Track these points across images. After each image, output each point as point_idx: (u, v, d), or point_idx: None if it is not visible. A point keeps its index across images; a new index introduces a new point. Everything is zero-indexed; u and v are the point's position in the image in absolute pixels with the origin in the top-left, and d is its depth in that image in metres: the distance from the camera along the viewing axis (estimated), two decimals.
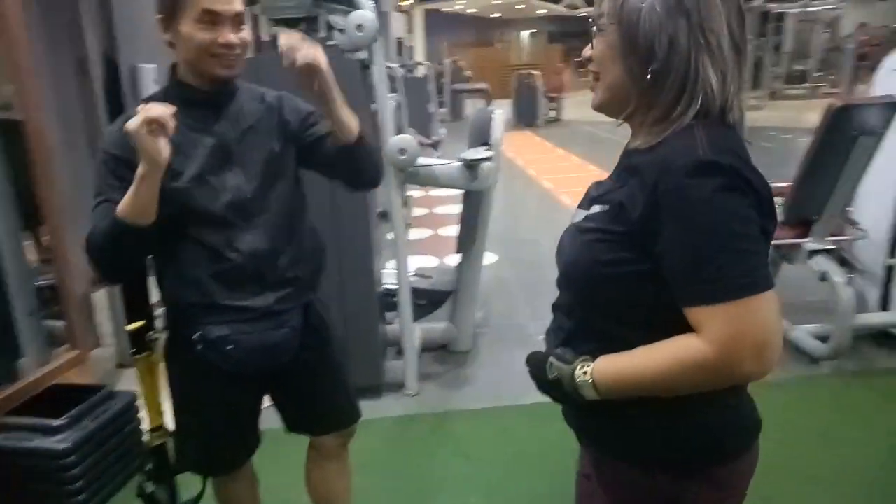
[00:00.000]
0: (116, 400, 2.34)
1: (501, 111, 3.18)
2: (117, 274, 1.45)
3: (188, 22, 1.27)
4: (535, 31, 30.22)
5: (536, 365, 0.97)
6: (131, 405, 2.37)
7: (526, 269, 4.54)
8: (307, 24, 2.70)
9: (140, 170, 1.20)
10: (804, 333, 3.05)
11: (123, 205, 1.23)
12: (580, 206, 1.01)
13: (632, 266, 0.86)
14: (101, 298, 3.17)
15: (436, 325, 3.29)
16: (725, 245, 0.80)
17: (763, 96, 13.71)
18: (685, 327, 0.83)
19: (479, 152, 2.77)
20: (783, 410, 2.58)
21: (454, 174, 2.77)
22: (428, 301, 3.31)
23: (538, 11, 24.91)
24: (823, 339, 2.94)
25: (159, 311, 1.55)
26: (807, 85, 15.17)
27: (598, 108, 0.96)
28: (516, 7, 23.03)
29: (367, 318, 2.75)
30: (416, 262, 4.53)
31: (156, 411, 1.64)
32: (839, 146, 2.69)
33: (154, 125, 1.16)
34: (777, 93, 14.63)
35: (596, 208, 0.93)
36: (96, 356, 3.08)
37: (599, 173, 6.00)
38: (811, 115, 12.70)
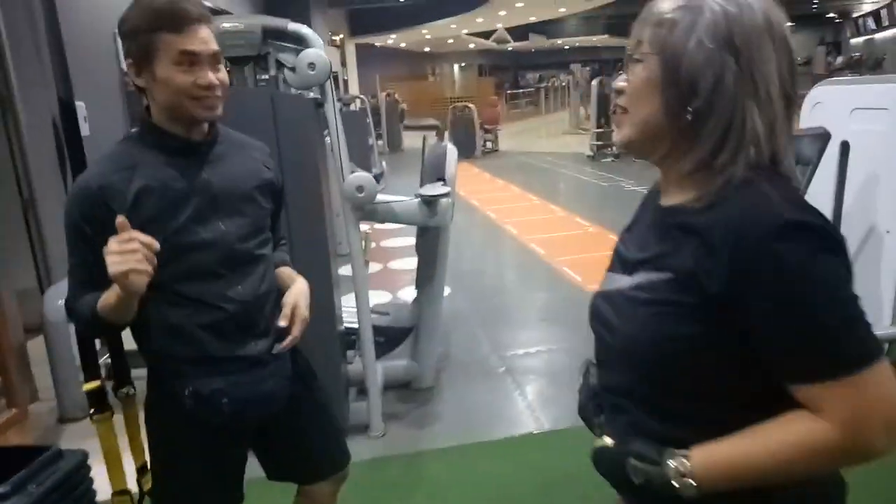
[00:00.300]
0: (65, 460, 2.17)
1: (454, 147, 3.21)
2: (103, 337, 1.41)
3: (165, 65, 1.22)
4: (464, 64, 30.95)
5: (610, 465, 0.87)
6: (82, 465, 2.20)
7: (479, 299, 4.56)
8: (256, 63, 2.66)
9: (120, 294, 1.16)
10: None
11: (104, 306, 1.20)
12: (615, 271, 0.93)
13: (711, 340, 0.78)
14: (37, 347, 2.97)
15: (397, 362, 3.24)
16: (834, 314, 0.73)
17: None
18: (781, 398, 0.76)
19: (437, 188, 2.78)
20: None
21: (413, 210, 2.76)
22: (387, 338, 3.26)
23: (469, 45, 25.49)
24: None
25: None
26: None
27: (626, 145, 0.88)
28: (448, 41, 23.50)
29: (330, 359, 2.68)
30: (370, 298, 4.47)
31: (119, 473, 1.54)
32: None
33: (140, 263, 1.11)
34: None
35: (650, 276, 0.84)
36: (35, 411, 2.88)
37: (540, 202, 6.18)
38: None
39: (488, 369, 3.44)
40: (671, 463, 0.79)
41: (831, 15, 28.61)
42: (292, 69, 2.53)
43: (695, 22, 0.79)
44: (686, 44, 0.79)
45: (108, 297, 1.19)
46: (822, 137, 2.79)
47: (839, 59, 22.26)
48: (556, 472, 2.47)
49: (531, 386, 3.27)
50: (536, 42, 26.63)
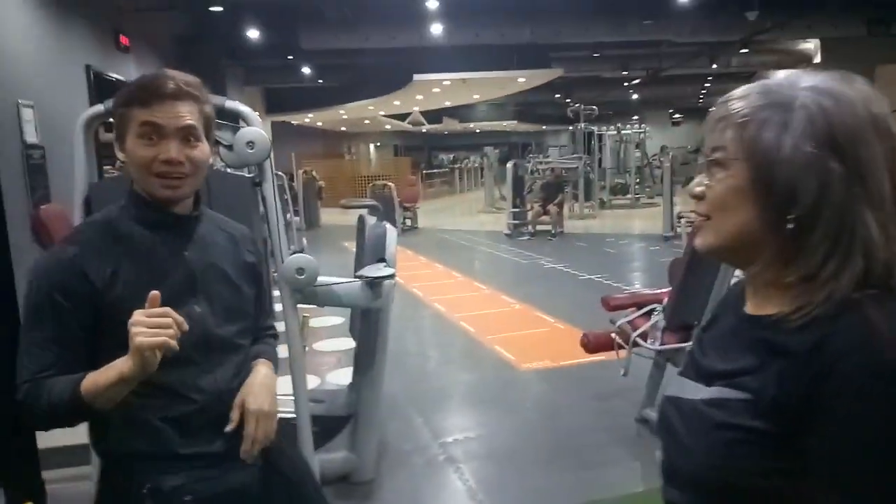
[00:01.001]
0: None
1: (393, 227, 3.16)
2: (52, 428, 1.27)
3: (131, 137, 1.19)
4: (380, 144, 31.54)
5: None
6: None
7: (413, 382, 4.41)
8: None
9: (126, 371, 1.09)
10: None
11: (95, 388, 1.11)
12: (689, 377, 0.85)
13: (786, 475, 0.72)
14: None
15: (334, 454, 3.02)
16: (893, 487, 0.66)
17: (594, 206, 15.16)
18: None
19: (381, 269, 2.70)
20: None
21: (356, 292, 2.65)
22: (322, 428, 3.05)
23: (385, 126, 26.07)
24: None
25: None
26: (629, 196, 17.03)
27: (711, 252, 0.80)
28: (364, 122, 23.96)
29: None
30: None
31: None
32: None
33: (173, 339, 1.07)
34: (605, 203, 16.24)
35: (726, 392, 0.76)
36: None
37: (464, 279, 6.20)
38: (636, 221, 14.18)
39: (429, 458, 3.28)
40: None
41: (713, 109, 31.43)
42: (229, 147, 2.43)
43: (787, 121, 0.72)
44: (780, 147, 0.71)
45: (106, 376, 1.11)
46: None
47: None
48: None
49: (473, 473, 3.13)
50: (449, 125, 27.61)
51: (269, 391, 1.32)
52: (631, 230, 12.52)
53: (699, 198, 0.81)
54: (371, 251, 2.92)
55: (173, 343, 1.07)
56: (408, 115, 23.09)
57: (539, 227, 11.74)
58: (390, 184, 14.37)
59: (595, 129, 17.02)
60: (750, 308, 0.81)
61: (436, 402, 4.14)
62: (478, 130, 32.04)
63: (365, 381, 3.03)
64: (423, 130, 28.98)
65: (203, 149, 1.24)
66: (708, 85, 21.23)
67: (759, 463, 0.72)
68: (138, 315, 1.07)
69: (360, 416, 3.03)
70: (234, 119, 2.47)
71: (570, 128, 18.03)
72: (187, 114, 1.20)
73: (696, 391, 0.81)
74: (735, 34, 11.89)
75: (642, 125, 19.70)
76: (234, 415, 1.26)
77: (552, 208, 11.61)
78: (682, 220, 10.76)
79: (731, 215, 0.76)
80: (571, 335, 5.31)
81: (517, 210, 12.23)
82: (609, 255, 9.68)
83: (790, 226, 0.72)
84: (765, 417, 0.71)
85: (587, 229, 12.56)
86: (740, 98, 0.77)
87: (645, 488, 2.97)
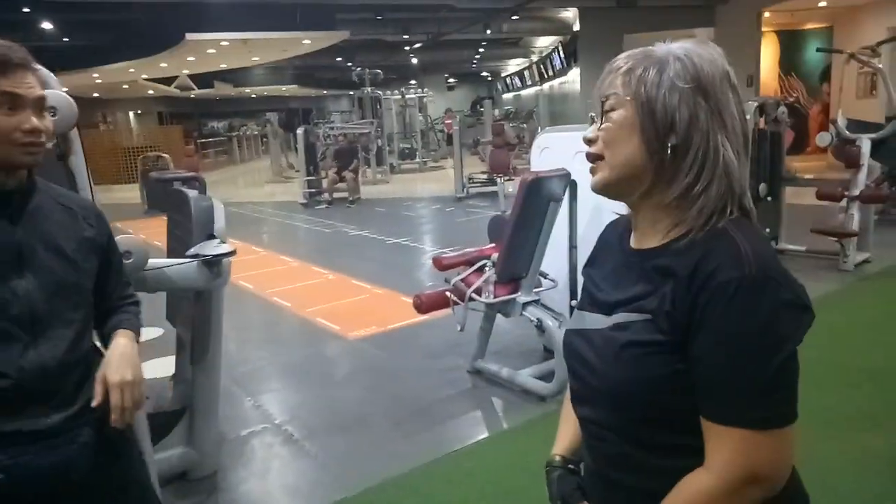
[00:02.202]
0: None
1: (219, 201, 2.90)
2: None
3: None
4: (141, 111, 28.47)
5: None
6: None
7: (234, 364, 4.08)
8: None
9: None
10: (528, 377, 3.44)
11: None
12: (587, 310, 0.96)
13: (688, 376, 0.83)
14: None
15: (168, 452, 2.74)
16: (769, 371, 0.78)
17: (386, 171, 15.35)
18: None
19: (217, 246, 2.46)
20: (526, 456, 2.85)
21: (192, 274, 2.39)
22: (154, 426, 2.75)
23: (148, 92, 23.56)
24: (547, 377, 3.37)
25: None
26: (417, 160, 17.52)
27: (603, 188, 0.92)
28: (122, 87, 21.37)
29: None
30: None
31: None
32: (536, 212, 3.17)
33: None
34: (395, 168, 16.53)
35: (629, 316, 0.88)
36: None
37: (268, 253, 5.99)
38: (427, 184, 14.65)
39: (269, 440, 3.15)
40: None
41: (485, 73, 33.46)
42: None
43: (664, 68, 0.87)
44: (660, 85, 0.85)
45: None
46: (566, 177, 3.20)
47: (496, 112, 26.10)
48: None
49: (321, 447, 3.05)
50: (222, 90, 25.81)
51: (129, 360, 1.33)
52: (423, 193, 12.92)
53: (592, 141, 0.92)
54: (199, 227, 2.64)
55: None
56: (174, 78, 21.07)
57: (336, 195, 11.60)
58: (165, 155, 13.15)
59: (381, 93, 17.12)
60: (635, 243, 0.94)
61: (264, 382, 3.94)
62: (254, 95, 30.44)
63: (199, 370, 2.77)
64: (192, 96, 26.76)
65: (50, 119, 1.29)
66: (482, 50, 22.43)
67: (664, 370, 0.84)
68: None
69: (196, 407, 2.78)
70: None
71: (352, 92, 17.87)
72: (36, 85, 1.25)
73: (599, 321, 0.92)
74: (507, 2, 12.64)
75: (424, 89, 20.24)
76: (98, 389, 1.28)
77: (348, 175, 11.53)
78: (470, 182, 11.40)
79: (622, 147, 0.88)
80: (392, 299, 5.40)
81: (312, 178, 11.93)
82: (409, 219, 9.91)
83: (668, 152, 0.86)
84: (663, 331, 0.84)
85: (382, 194, 12.70)
86: (626, 58, 0.91)
87: (490, 434, 3.15)
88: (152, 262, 2.29)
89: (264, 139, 23.17)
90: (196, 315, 2.74)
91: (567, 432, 1.09)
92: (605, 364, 0.90)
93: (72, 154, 2.15)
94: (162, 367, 3.52)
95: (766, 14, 11.98)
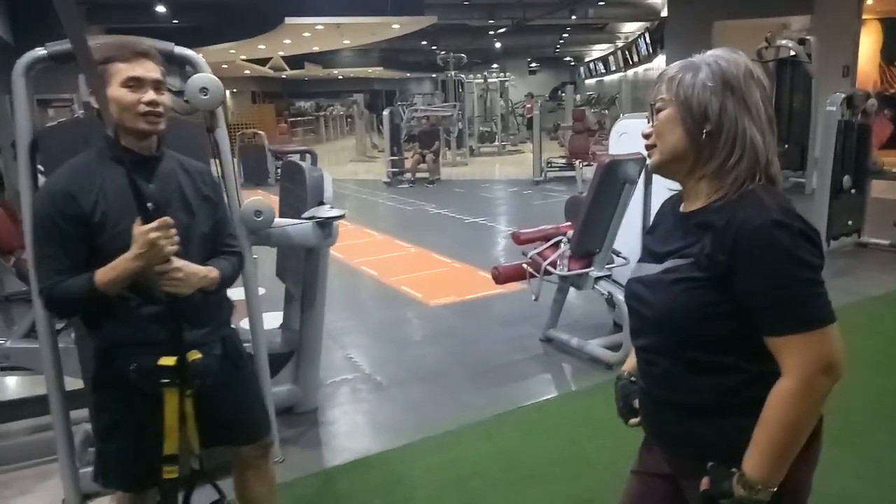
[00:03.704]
0: None
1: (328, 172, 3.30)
2: (73, 315, 1.85)
3: (115, 87, 1.54)
4: (236, 90, 29.90)
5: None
6: None
7: (329, 321, 4.49)
8: None
9: (135, 260, 1.49)
10: (596, 346, 3.70)
11: (104, 278, 1.51)
12: (646, 261, 1.23)
13: (723, 304, 1.07)
14: None
15: (279, 388, 3.19)
16: (804, 285, 1.03)
17: (465, 154, 15.66)
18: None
19: (330, 210, 2.86)
20: (590, 413, 3.12)
21: (308, 233, 2.80)
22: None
23: (244, 72, 24.75)
24: (614, 348, 3.62)
25: None
26: (496, 144, 17.72)
27: (657, 168, 1.19)
28: (222, 66, 22.58)
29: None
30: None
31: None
32: (611, 192, 3.41)
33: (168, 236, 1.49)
34: (474, 150, 16.80)
35: (676, 262, 1.13)
36: None
37: (354, 227, 6.74)
38: (506, 168, 14.74)
39: (360, 386, 3.57)
40: (737, 487, 1.06)
41: (568, 59, 33.10)
42: (178, 93, 2.45)
43: (697, 73, 1.12)
44: (693, 86, 1.11)
45: (119, 270, 1.49)
46: (642, 160, 3.43)
47: (578, 97, 25.88)
48: (466, 465, 2.69)
49: (405, 394, 3.45)
50: (312, 70, 26.77)
51: (194, 272, 1.60)
52: (502, 176, 13.17)
53: (648, 135, 1.18)
54: (312, 194, 3.05)
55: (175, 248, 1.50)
56: (268, 59, 22.09)
57: (417, 175, 12.03)
58: (261, 132, 13.94)
59: (464, 77, 17.39)
60: (684, 209, 1.19)
61: (354, 338, 4.37)
62: (340, 77, 31.31)
63: (307, 318, 3.20)
64: (284, 76, 27.88)
65: (168, 96, 1.65)
66: (566, 35, 22.25)
67: (702, 299, 1.09)
68: (151, 231, 1.46)
69: (303, 351, 3.21)
70: (182, 66, 2.51)
71: (435, 75, 18.20)
72: (154, 69, 1.60)
73: (654, 268, 1.18)
74: None
75: (505, 73, 20.37)
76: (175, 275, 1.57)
77: (429, 156, 11.92)
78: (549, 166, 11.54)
79: (669, 137, 1.14)
80: (470, 272, 5.74)
81: (395, 158, 12.40)
82: (487, 200, 10.21)
83: (705, 137, 1.10)
84: (703, 269, 1.09)
85: (462, 176, 13.03)
86: (672, 68, 1.17)
87: (558, 393, 3.45)
88: (277, 220, 2.70)
89: (349, 119, 23.88)
90: (306, 270, 3.16)
91: (633, 361, 1.37)
92: (657, 298, 1.15)
93: (217, 127, 2.58)
94: (266, 321, 3.99)
95: (869, 0, 11.43)
